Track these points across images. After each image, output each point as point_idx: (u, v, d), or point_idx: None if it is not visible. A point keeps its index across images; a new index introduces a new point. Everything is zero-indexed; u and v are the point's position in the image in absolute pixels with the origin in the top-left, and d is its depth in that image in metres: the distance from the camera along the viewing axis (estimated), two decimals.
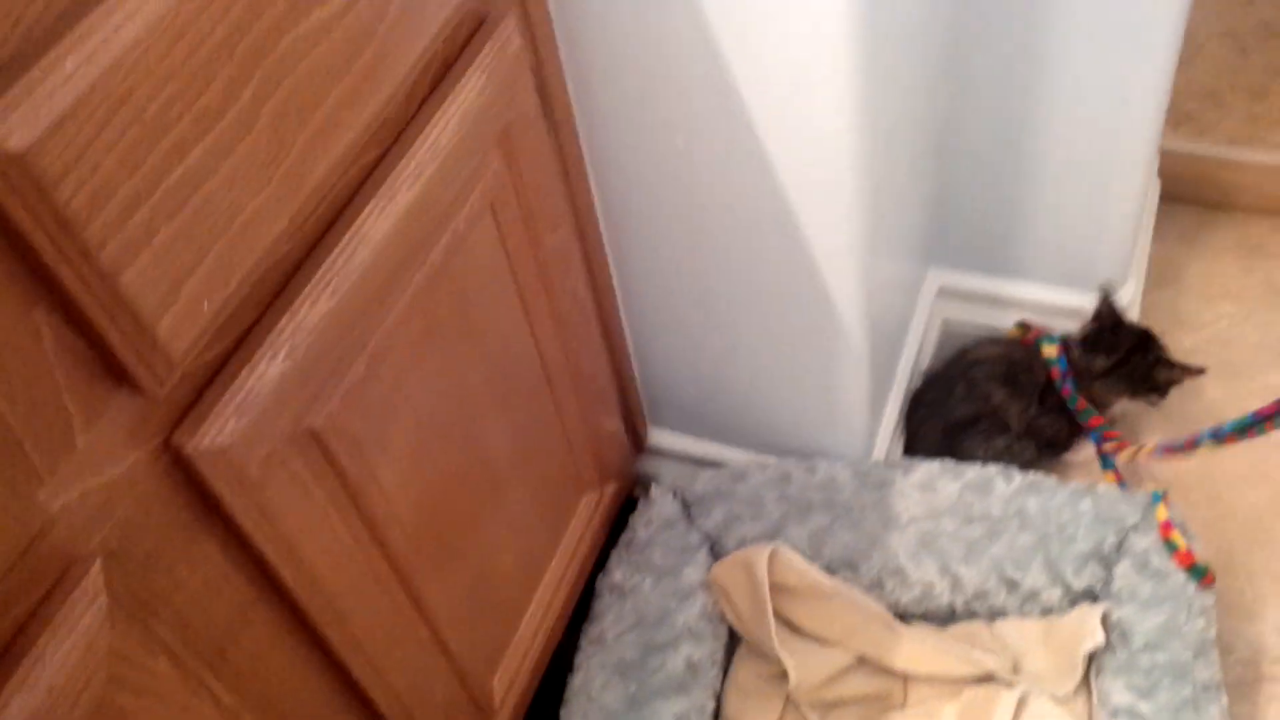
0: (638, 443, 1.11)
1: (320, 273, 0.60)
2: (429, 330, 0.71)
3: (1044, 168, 1.12)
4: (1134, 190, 1.12)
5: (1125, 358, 1.13)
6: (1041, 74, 1.03)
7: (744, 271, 0.95)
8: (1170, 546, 0.97)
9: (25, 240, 0.43)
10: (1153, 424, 1.22)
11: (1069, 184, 1.12)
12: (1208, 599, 0.95)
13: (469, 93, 0.69)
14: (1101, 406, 1.15)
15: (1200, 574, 0.97)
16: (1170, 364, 1.14)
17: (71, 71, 0.43)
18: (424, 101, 0.67)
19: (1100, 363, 1.12)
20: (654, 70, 0.81)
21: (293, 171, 0.56)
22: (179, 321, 0.50)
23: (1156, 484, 1.14)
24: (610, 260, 0.97)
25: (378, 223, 0.63)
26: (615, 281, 0.99)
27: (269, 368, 0.57)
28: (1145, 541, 0.97)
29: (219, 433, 0.55)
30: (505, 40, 0.72)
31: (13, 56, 0.42)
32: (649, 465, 1.15)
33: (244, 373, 0.56)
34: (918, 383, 1.21)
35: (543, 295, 0.83)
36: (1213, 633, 0.95)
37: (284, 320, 0.58)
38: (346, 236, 0.62)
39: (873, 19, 0.76)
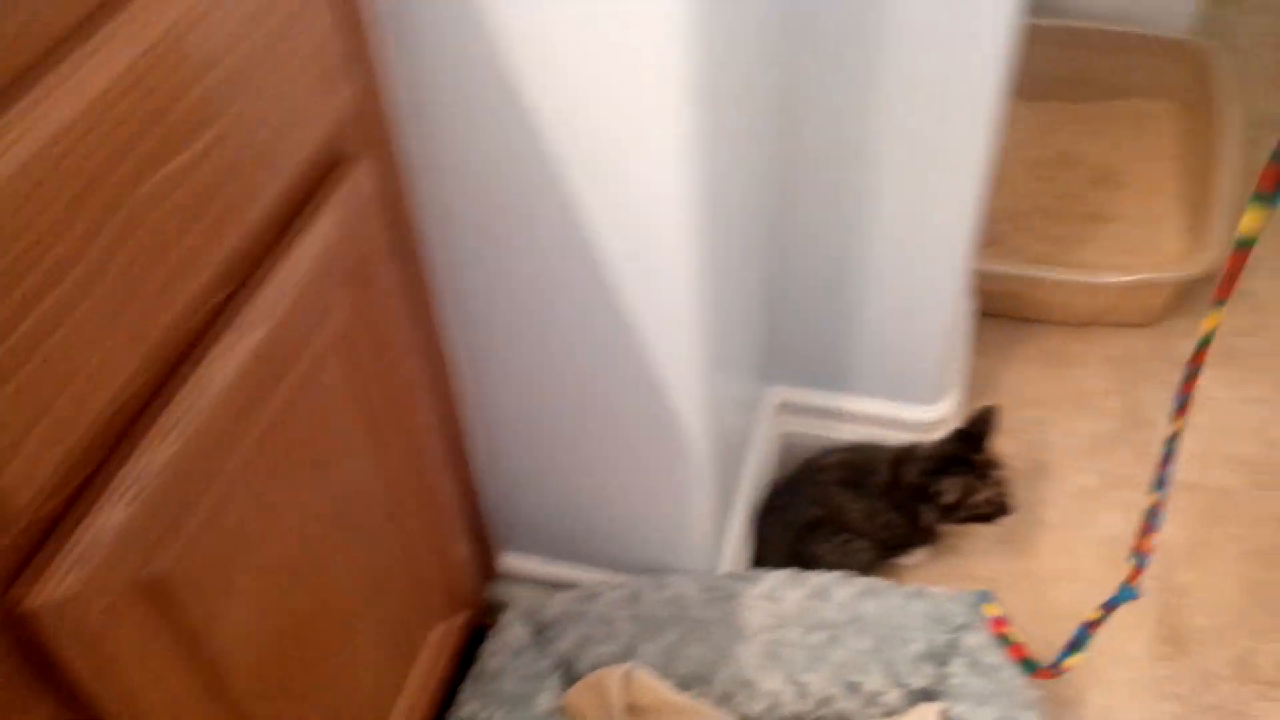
0: (488, 569, 1.12)
1: (165, 417, 0.60)
2: (275, 470, 0.71)
3: (866, 290, 1.20)
4: (947, 308, 1.21)
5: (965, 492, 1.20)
6: (862, 204, 1.12)
7: (592, 395, 0.99)
8: (1004, 641, 1.03)
9: None
10: (974, 530, 1.29)
11: (890, 304, 1.20)
12: (1035, 693, 1.01)
13: (320, 233, 0.70)
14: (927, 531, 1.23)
15: (1031, 667, 1.03)
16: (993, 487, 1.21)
17: None
18: (275, 242, 0.69)
19: (950, 495, 1.18)
20: (503, 205, 0.85)
21: (142, 318, 0.56)
22: (20, 476, 0.50)
23: (979, 583, 1.21)
24: (459, 388, 0.98)
25: (225, 364, 0.64)
26: (464, 408, 1.01)
27: (111, 516, 0.56)
28: (975, 639, 1.03)
29: (59, 585, 0.53)
30: (359, 183, 0.74)
31: None
32: (502, 590, 1.15)
33: (85, 522, 0.55)
34: (766, 491, 1.26)
35: (392, 426, 0.84)
36: None
37: (127, 466, 0.57)
38: (193, 380, 0.62)
39: (713, 163, 0.82)
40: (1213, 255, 1.42)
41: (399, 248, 0.82)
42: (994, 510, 1.19)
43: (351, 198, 0.73)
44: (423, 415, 0.89)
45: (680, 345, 0.93)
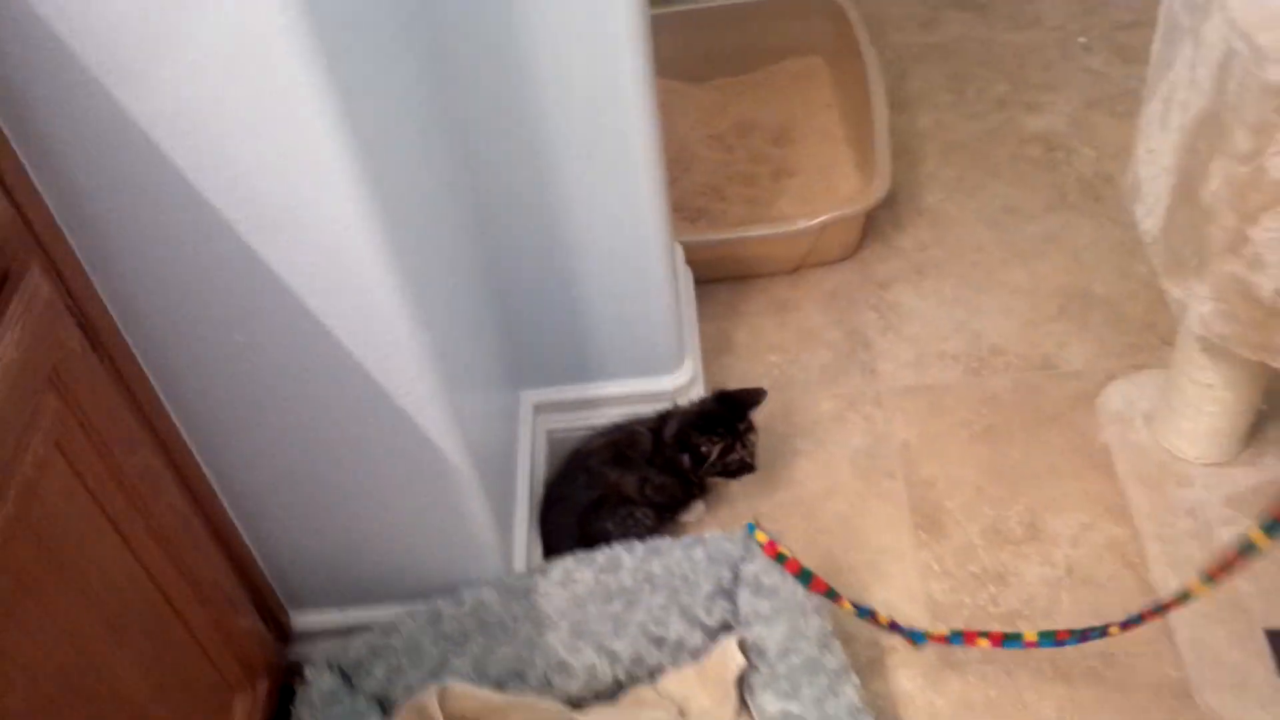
0: (283, 633, 1.12)
1: None
2: (21, 585, 0.70)
3: (585, 286, 1.27)
4: (660, 285, 1.29)
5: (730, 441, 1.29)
6: (553, 209, 1.19)
7: (342, 442, 1.01)
8: (781, 559, 1.12)
9: None
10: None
11: (608, 293, 1.28)
12: (815, 600, 1.10)
13: (6, 348, 0.71)
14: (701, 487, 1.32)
15: (808, 577, 1.13)
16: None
17: None
18: None
19: (710, 451, 1.28)
20: (197, 281, 0.86)
21: None
22: None
23: (746, 518, 1.30)
24: (205, 468, 0.99)
25: None
26: (217, 486, 1.01)
27: None
28: (753, 568, 1.11)
29: None
30: (32, 292, 0.75)
31: None
32: (304, 650, 1.15)
33: None
34: (544, 488, 1.32)
35: (138, 518, 0.84)
36: (830, 626, 1.10)
37: None
38: None
39: (384, 202, 0.86)
40: (884, 185, 1.58)
41: (97, 345, 0.82)
42: (741, 468, 1.31)
43: (30, 308, 0.73)
44: (168, 501, 0.89)
45: (408, 375, 0.97)
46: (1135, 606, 1.20)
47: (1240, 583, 1.18)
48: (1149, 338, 1.48)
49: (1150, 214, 1.13)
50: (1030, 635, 1.11)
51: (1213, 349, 1.15)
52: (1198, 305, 1.05)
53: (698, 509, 1.36)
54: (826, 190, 1.72)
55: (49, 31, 0.72)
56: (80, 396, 0.78)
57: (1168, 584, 1.20)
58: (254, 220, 0.82)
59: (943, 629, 1.16)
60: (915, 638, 1.16)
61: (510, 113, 1.10)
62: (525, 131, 1.11)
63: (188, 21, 0.72)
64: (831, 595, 1.13)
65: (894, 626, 1.15)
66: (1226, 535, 1.23)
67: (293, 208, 0.81)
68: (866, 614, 1.14)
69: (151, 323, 0.88)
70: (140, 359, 0.90)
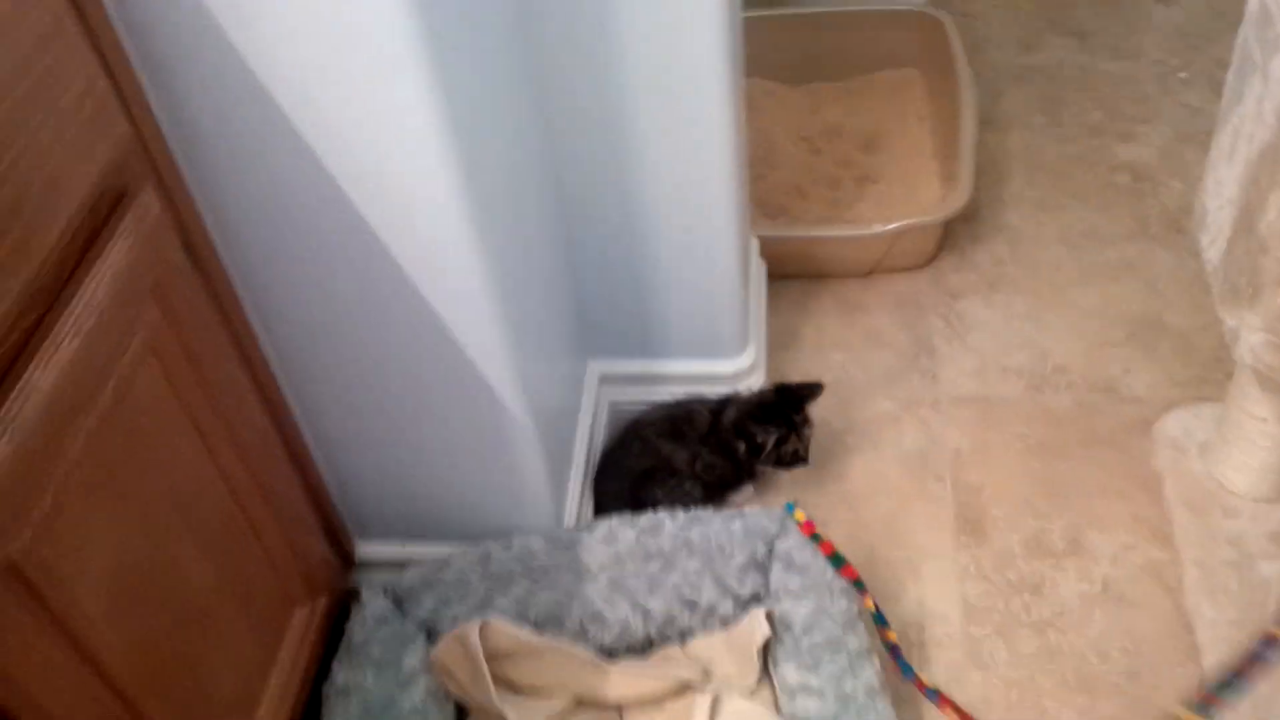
0: (347, 558, 1.20)
1: None
2: (109, 466, 0.78)
3: (659, 267, 1.33)
4: (732, 273, 1.34)
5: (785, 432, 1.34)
6: (635, 192, 1.24)
7: (414, 382, 1.08)
8: (815, 539, 1.16)
9: None
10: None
11: (681, 276, 1.33)
12: (844, 583, 1.14)
13: (116, 255, 0.79)
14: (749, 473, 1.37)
15: (839, 562, 1.17)
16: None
17: None
18: (76, 267, 0.77)
19: (766, 439, 1.32)
20: (291, 216, 0.94)
21: None
22: None
23: (802, 509, 1.34)
24: (286, 390, 1.07)
25: (45, 375, 0.72)
26: (296, 410, 1.09)
27: None
28: (787, 544, 1.15)
29: None
30: (145, 209, 0.83)
31: None
32: (365, 577, 1.23)
33: None
34: (600, 454, 1.38)
35: (220, 426, 0.92)
36: (857, 608, 1.13)
37: None
38: (16, 389, 0.70)
39: (477, 171, 0.93)
40: (963, 198, 1.60)
41: (197, 263, 0.91)
42: (795, 460, 1.35)
43: (140, 224, 0.82)
44: (248, 416, 0.97)
45: (478, 327, 1.03)
46: (1167, 630, 1.22)
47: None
48: (1215, 372, 1.47)
49: (1213, 244, 1.15)
50: None
51: (1267, 383, 1.16)
52: (1249, 335, 1.06)
53: (747, 491, 1.40)
54: (907, 199, 1.74)
55: None
56: (178, 308, 0.86)
57: (1201, 611, 1.21)
58: (348, 169, 0.89)
59: (925, 678, 1.18)
60: (905, 670, 1.18)
61: (594, 95, 1.15)
62: (608, 113, 1.17)
63: None
64: (859, 586, 1.16)
65: (894, 649, 1.18)
66: (1267, 570, 1.23)
67: (382, 162, 0.89)
68: (881, 620, 1.17)
69: (248, 248, 0.96)
70: (235, 281, 0.98)
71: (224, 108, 0.87)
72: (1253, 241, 1.04)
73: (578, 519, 1.28)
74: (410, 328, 1.03)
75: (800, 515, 1.17)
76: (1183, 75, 2.00)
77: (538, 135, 1.18)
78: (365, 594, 1.11)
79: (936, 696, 1.15)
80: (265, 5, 0.81)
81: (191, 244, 0.90)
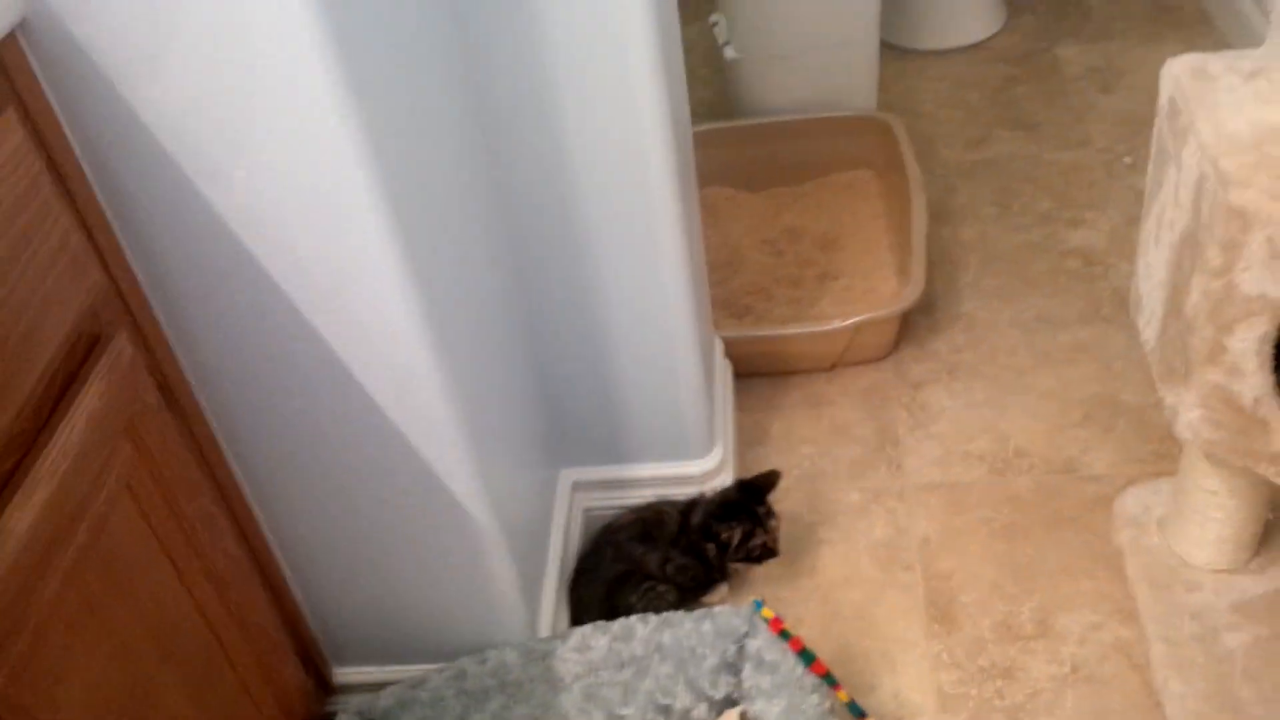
0: (324, 683, 1.22)
1: None
2: (87, 603, 0.82)
3: (623, 376, 1.38)
4: (695, 378, 1.39)
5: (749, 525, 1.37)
6: (595, 306, 1.31)
7: (384, 505, 1.12)
8: (785, 636, 1.19)
9: None
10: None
11: (644, 383, 1.38)
12: (815, 679, 1.16)
13: (91, 399, 0.83)
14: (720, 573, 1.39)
15: (809, 658, 1.19)
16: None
17: None
18: (52, 412, 0.81)
19: (731, 536, 1.36)
20: (261, 352, 0.99)
21: None
22: None
23: (776, 605, 1.37)
24: (261, 521, 1.10)
25: (20, 518, 0.76)
26: (271, 537, 1.12)
27: None
28: (757, 643, 1.18)
29: None
30: (119, 353, 0.88)
31: None
32: (341, 703, 1.25)
33: None
34: (574, 561, 1.40)
35: (195, 559, 0.95)
36: (828, 704, 1.15)
37: None
38: None
39: (429, 289, 0.98)
40: (917, 290, 1.66)
41: (171, 403, 0.95)
42: (764, 553, 1.38)
43: (114, 367, 0.86)
44: (224, 547, 1.01)
45: (449, 454, 1.07)
46: (1137, 707, 1.24)
47: (1241, 687, 1.21)
48: (1172, 447, 1.51)
49: (1149, 325, 1.20)
50: None
51: (1212, 457, 1.20)
52: (1186, 412, 1.11)
53: (721, 590, 1.43)
54: (867, 293, 1.80)
55: (150, 137, 0.86)
56: (151, 446, 0.90)
57: (1169, 686, 1.23)
58: (310, 301, 0.94)
59: None
60: None
61: (556, 220, 1.22)
62: (568, 238, 1.24)
63: (258, 131, 0.85)
64: (830, 680, 1.18)
65: None
66: (1231, 641, 1.25)
67: (341, 291, 0.94)
68: (858, 711, 1.19)
69: (221, 387, 1.01)
70: (210, 418, 1.02)
71: (196, 255, 0.93)
72: (1181, 322, 1.09)
73: (553, 627, 1.30)
74: (378, 450, 1.07)
75: (768, 613, 1.20)
76: (1127, 160, 2.08)
77: (504, 265, 1.24)
78: (341, 718, 1.13)
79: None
80: (230, 159, 0.87)
81: (166, 384, 0.94)
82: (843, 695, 1.18)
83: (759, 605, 1.21)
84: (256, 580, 1.08)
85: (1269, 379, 1.03)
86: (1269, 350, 1.01)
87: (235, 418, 1.03)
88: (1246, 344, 1.00)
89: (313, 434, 1.05)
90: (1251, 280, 0.97)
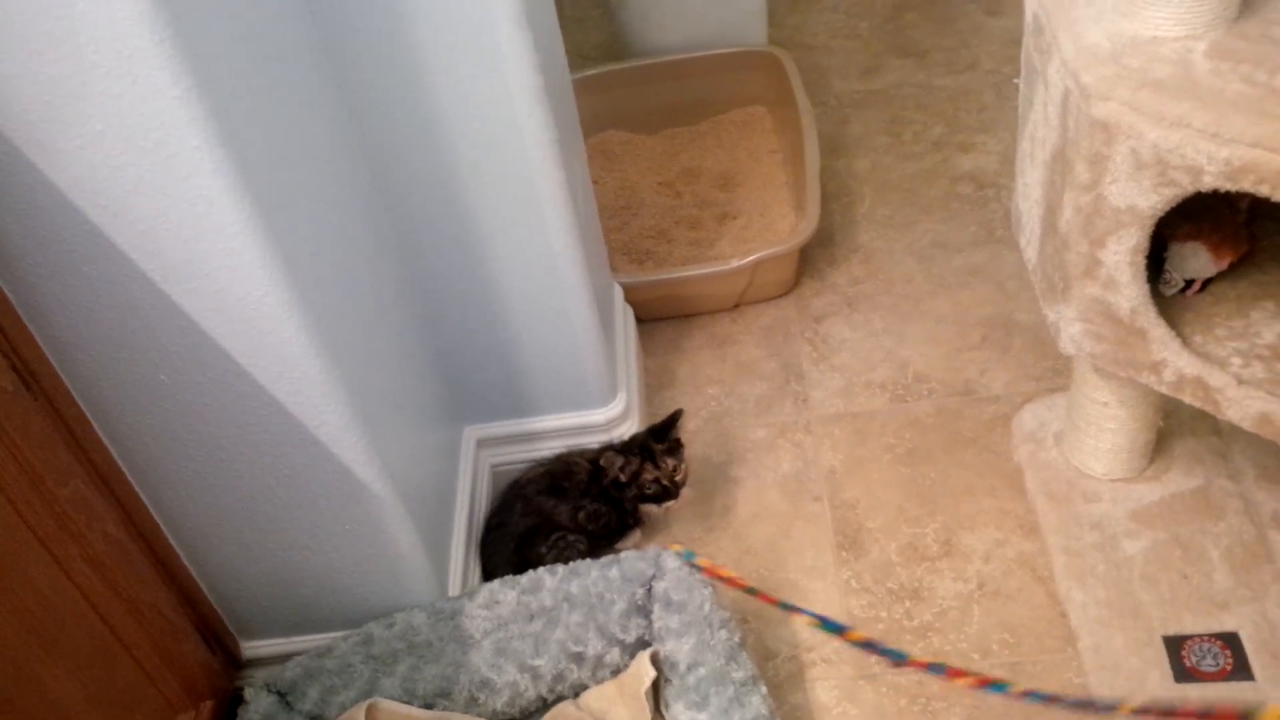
0: (232, 659, 1.19)
1: None
2: None
3: (515, 329, 1.36)
4: (590, 326, 1.37)
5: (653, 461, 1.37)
6: (479, 259, 1.28)
7: (269, 474, 1.08)
8: (718, 580, 1.18)
9: None
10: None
11: (534, 333, 1.36)
12: (724, 614, 1.17)
13: None
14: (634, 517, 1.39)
15: (753, 593, 1.19)
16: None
17: None
18: None
19: (617, 473, 1.35)
20: (121, 327, 0.95)
21: None
22: None
23: (691, 545, 1.37)
24: (145, 499, 1.07)
25: None
26: (158, 518, 1.09)
27: None
28: (664, 584, 1.18)
29: None
30: None
31: None
32: (255, 676, 1.23)
33: None
34: (484, 517, 1.39)
35: (71, 545, 0.92)
36: (738, 638, 1.16)
37: None
38: None
39: (296, 254, 0.95)
40: (811, 225, 1.66)
41: (33, 386, 0.91)
42: (660, 492, 1.36)
43: None
44: (102, 529, 0.97)
45: (320, 409, 1.04)
46: (1043, 618, 1.26)
47: (1141, 591, 1.24)
48: (1066, 362, 1.54)
49: (1030, 243, 1.21)
50: (1018, 687, 1.08)
51: (1101, 369, 1.22)
52: (1067, 326, 1.13)
53: (634, 537, 1.43)
54: (765, 231, 1.80)
55: None
56: (12, 432, 0.86)
57: (1072, 596, 1.26)
58: (163, 271, 0.91)
59: (925, 657, 1.19)
60: (895, 655, 1.16)
61: (429, 172, 1.19)
62: (444, 188, 1.20)
63: (87, 99, 0.81)
64: (785, 606, 1.19)
65: (869, 645, 1.18)
66: (1130, 548, 1.28)
67: (195, 260, 0.90)
68: (834, 628, 1.19)
69: (85, 365, 0.97)
70: (78, 398, 0.98)
71: (42, 233, 0.88)
72: (1057, 239, 1.10)
73: (464, 586, 1.29)
74: (256, 422, 1.04)
75: (704, 562, 1.19)
76: (1016, 81, 2.09)
77: (383, 230, 1.21)
78: (248, 692, 1.11)
79: (943, 670, 1.14)
80: (62, 132, 0.83)
81: (26, 368, 0.90)
82: (813, 621, 1.18)
83: (690, 555, 1.20)
84: (144, 560, 1.05)
85: (1144, 289, 1.05)
86: (1142, 261, 1.03)
87: (103, 397, 0.99)
88: (1119, 256, 1.02)
89: (185, 408, 1.01)
90: (1119, 193, 0.98)
